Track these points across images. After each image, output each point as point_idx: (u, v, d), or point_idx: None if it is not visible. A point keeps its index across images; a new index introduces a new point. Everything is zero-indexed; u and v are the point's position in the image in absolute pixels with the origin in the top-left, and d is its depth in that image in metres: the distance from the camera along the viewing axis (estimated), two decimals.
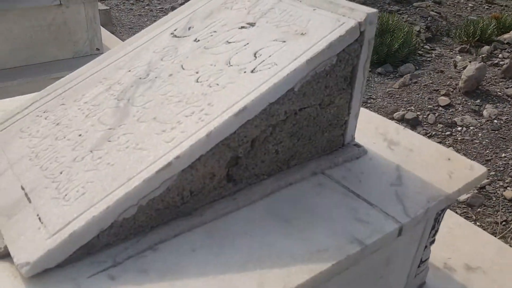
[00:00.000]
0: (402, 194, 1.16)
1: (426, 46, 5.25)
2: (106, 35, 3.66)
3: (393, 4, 6.31)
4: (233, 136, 1.04)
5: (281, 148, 1.16)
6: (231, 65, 1.16)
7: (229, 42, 1.24)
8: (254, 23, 1.27)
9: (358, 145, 1.32)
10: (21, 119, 1.24)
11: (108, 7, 5.53)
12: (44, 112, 1.24)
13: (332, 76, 1.15)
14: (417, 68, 4.78)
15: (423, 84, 4.45)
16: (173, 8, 5.86)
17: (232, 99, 1.05)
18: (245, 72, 1.12)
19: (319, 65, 1.10)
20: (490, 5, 6.68)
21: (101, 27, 3.43)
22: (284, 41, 1.16)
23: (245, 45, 1.20)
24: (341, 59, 1.14)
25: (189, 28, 1.36)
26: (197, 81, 1.15)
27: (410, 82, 4.46)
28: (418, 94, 4.30)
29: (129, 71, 1.28)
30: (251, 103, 1.03)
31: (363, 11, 1.14)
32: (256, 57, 1.15)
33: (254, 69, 1.11)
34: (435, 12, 6.17)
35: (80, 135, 1.12)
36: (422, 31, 5.54)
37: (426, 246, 1.40)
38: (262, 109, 1.05)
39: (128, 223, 0.94)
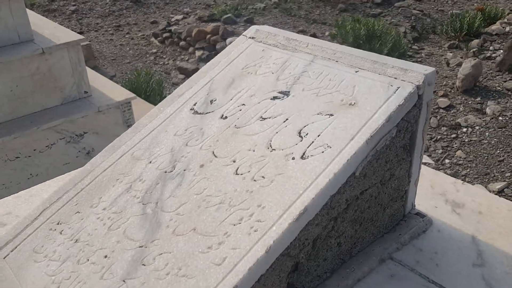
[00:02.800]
0: (490, 277, 0.99)
1: (414, 47, 5.14)
2: (92, 75, 3.47)
3: (374, 7, 6.22)
4: (293, 243, 0.86)
5: (344, 239, 0.98)
6: (274, 150, 0.99)
7: (264, 118, 1.07)
8: (288, 92, 1.11)
9: (421, 214, 1.15)
10: (32, 235, 1.06)
11: (88, 41, 5.35)
12: (58, 223, 1.05)
13: (392, 149, 0.99)
14: None
15: None
16: (155, 35, 5.67)
17: (286, 198, 0.88)
18: (293, 158, 0.95)
19: (380, 142, 0.94)
20: None
21: (88, 68, 3.26)
22: (331, 115, 1.00)
23: (284, 121, 1.03)
24: (400, 129, 0.98)
25: (212, 102, 1.19)
26: (237, 173, 0.97)
27: None
28: None
29: (150, 162, 1.10)
30: (312, 203, 0.85)
31: (418, 72, 0.98)
32: (302, 137, 0.98)
33: (304, 154, 0.94)
34: (418, 10, 6.08)
35: (106, 256, 0.94)
36: (408, 31, 5.44)
37: None
38: (323, 205, 0.88)
39: None
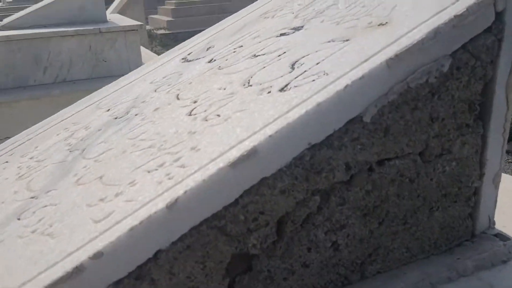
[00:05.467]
0: None
1: None
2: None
3: None
4: (230, 209, 0.50)
5: (344, 238, 0.58)
6: (250, 85, 0.65)
7: (256, 56, 0.74)
8: (302, 27, 0.77)
9: (502, 237, 0.69)
10: None
11: None
12: None
13: (444, 98, 0.58)
14: None
15: None
16: None
17: (233, 138, 0.52)
18: (269, 92, 0.60)
19: (415, 73, 0.55)
20: None
21: None
22: (347, 40, 0.63)
23: (279, 55, 0.69)
24: (459, 65, 0.57)
25: (208, 49, 0.89)
26: (190, 114, 0.65)
27: None
28: None
29: (108, 110, 0.83)
30: (268, 143, 0.49)
31: None
32: (294, 68, 0.63)
33: (286, 86, 0.59)
34: None
35: None
36: None
37: None
38: (294, 157, 0.51)
39: None
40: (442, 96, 0.57)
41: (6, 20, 3.16)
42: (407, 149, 0.57)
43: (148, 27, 6.95)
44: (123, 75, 3.58)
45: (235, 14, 1.03)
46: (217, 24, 1.03)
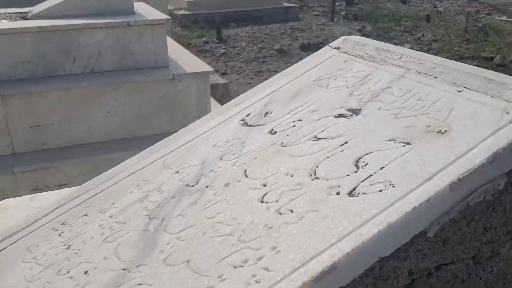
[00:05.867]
0: None
1: None
2: (217, 108, 3.51)
3: None
4: None
5: None
6: (317, 178, 0.72)
7: (318, 138, 0.81)
8: (359, 110, 0.83)
9: None
10: (35, 231, 0.93)
11: (228, 81, 5.54)
12: (63, 224, 0.91)
13: (497, 211, 0.65)
14: None
15: None
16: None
17: (311, 245, 0.60)
18: (337, 193, 0.67)
19: (475, 193, 0.61)
20: None
21: (214, 100, 3.28)
22: (408, 143, 0.70)
23: (342, 145, 0.76)
24: None
25: (266, 114, 0.97)
26: (262, 201, 0.73)
27: None
28: None
29: (177, 172, 0.91)
30: (345, 260, 0.57)
31: None
32: (358, 167, 0.70)
33: (353, 190, 0.66)
34: None
35: (86, 272, 0.75)
36: None
37: None
38: (366, 269, 0.59)
39: None
40: (496, 208, 0.64)
41: (36, 9, 3.21)
42: (462, 255, 0.65)
43: (169, 7, 6.97)
44: (149, 67, 3.68)
45: (288, 71, 1.10)
46: (271, 80, 1.09)
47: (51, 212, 0.96)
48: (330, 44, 1.13)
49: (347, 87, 0.92)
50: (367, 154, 0.72)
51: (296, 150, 0.81)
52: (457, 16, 8.59)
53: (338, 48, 1.08)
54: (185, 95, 3.15)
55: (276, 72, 6.40)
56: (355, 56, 1.01)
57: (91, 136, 3.06)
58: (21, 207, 1.18)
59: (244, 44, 7.00)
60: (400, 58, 0.91)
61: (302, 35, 7.42)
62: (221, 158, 0.89)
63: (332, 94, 0.92)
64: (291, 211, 0.68)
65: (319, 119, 0.86)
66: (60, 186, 2.82)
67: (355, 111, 0.83)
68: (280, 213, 0.68)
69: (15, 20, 3.09)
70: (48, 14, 3.13)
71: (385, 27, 7.89)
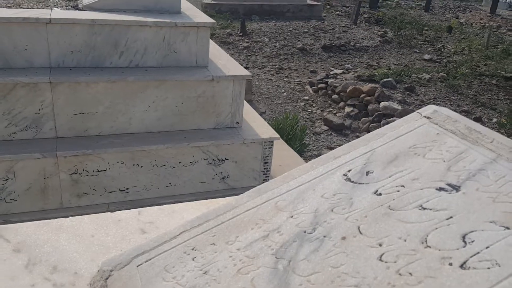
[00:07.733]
0: None
1: None
2: (245, 108, 3.68)
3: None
4: None
5: None
6: (429, 247, 0.89)
7: (424, 208, 0.98)
8: (459, 187, 1.00)
9: None
10: (167, 252, 1.11)
11: (250, 77, 5.73)
12: (193, 249, 1.09)
13: None
14: None
15: None
16: (311, 83, 5.84)
17: None
18: (450, 264, 0.84)
19: None
20: None
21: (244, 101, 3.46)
22: (508, 228, 0.87)
23: (447, 219, 0.93)
24: None
25: (367, 173, 1.13)
26: (381, 260, 0.90)
27: None
28: None
29: (291, 217, 1.08)
30: None
31: None
32: (466, 242, 0.87)
33: (464, 263, 0.83)
34: None
35: None
36: None
37: None
38: None
39: None
40: None
41: (86, 0, 3.38)
42: None
43: None
44: (189, 67, 3.93)
45: (381, 132, 1.26)
46: (365, 137, 1.26)
47: (178, 235, 1.14)
48: (418, 111, 1.29)
49: (443, 161, 1.08)
50: (472, 231, 0.89)
51: (405, 217, 0.97)
52: (478, 30, 8.65)
53: (428, 117, 1.24)
54: (221, 96, 3.33)
55: (297, 70, 6.58)
56: (447, 130, 1.17)
57: (130, 127, 3.25)
58: (131, 221, 1.36)
59: (267, 39, 7.14)
60: (491, 142, 1.08)
61: (325, 36, 7.54)
62: (332, 210, 1.06)
63: (430, 165, 1.08)
64: (410, 274, 0.85)
65: (421, 189, 1.03)
66: (98, 172, 3.01)
67: (455, 187, 1.00)
68: (400, 274, 0.85)
69: (67, 9, 3.25)
70: (98, 6, 3.30)
71: (407, 35, 7.98)
